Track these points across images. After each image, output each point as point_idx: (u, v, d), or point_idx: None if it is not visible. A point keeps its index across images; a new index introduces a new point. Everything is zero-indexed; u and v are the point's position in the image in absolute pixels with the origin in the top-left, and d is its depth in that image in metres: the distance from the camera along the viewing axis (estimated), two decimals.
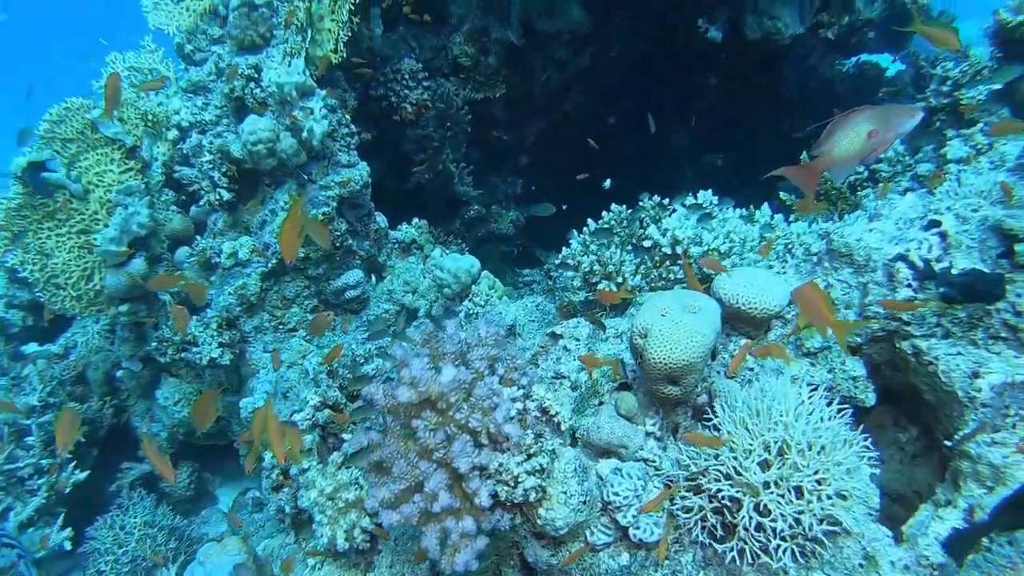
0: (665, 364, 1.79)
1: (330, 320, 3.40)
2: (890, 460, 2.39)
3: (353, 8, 3.33)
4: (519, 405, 1.82)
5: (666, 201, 3.17)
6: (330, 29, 3.38)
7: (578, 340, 2.30)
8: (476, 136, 5.43)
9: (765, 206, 2.99)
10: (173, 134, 3.53)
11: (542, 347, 2.41)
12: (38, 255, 3.32)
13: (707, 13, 4.03)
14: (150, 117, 3.49)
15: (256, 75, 3.37)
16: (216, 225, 3.52)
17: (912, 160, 3.57)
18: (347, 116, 3.51)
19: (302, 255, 3.47)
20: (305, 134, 3.27)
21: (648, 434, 1.93)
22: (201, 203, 3.51)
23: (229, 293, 3.39)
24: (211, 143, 3.43)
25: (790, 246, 2.69)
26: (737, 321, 2.16)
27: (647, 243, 2.65)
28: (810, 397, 1.77)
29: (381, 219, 3.77)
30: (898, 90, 4.70)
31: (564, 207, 6.05)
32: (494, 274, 5.77)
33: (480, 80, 5.03)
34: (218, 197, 3.43)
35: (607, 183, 4.22)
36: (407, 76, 4.16)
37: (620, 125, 5.98)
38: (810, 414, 1.74)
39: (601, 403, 2.06)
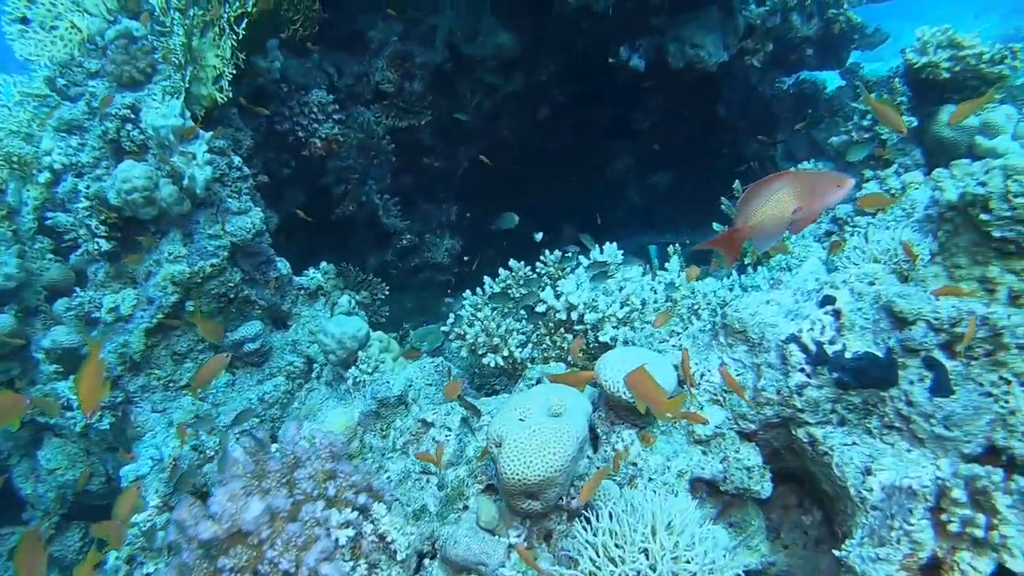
0: (519, 480, 1.59)
1: (218, 367, 3.13)
2: (794, 545, 2.22)
3: (236, 45, 3.08)
4: (349, 532, 1.60)
5: (572, 252, 2.99)
6: (214, 66, 3.13)
7: (449, 430, 2.09)
8: (405, 163, 5.21)
9: (675, 260, 2.81)
10: (45, 177, 3.25)
11: (413, 435, 2.19)
12: None
13: (630, 41, 3.85)
14: (15, 159, 3.21)
15: (133, 115, 3.12)
16: (97, 276, 3.26)
17: None
18: (239, 159, 3.27)
19: (191, 308, 3.23)
20: (186, 181, 3.02)
21: (512, 547, 1.72)
22: (79, 252, 3.24)
23: (109, 352, 3.12)
24: (87, 188, 3.16)
25: (696, 308, 2.51)
26: (620, 408, 1.96)
27: (541, 308, 2.45)
28: (682, 513, 1.58)
29: (283, 265, 3.53)
30: (809, 122, 4.59)
31: (505, 244, 5.88)
32: (425, 306, 5.58)
33: (404, 107, 4.80)
34: (96, 247, 3.16)
35: (538, 236, 4.07)
36: (316, 109, 3.92)
37: (559, 148, 5.81)
38: (680, 533, 1.54)
39: (466, 506, 1.85)
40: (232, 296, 3.31)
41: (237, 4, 3.08)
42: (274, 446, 1.76)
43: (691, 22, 3.71)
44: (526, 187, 5.96)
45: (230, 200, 3.21)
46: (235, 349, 3.41)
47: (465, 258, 5.74)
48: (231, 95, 3.15)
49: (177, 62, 2.98)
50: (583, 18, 3.91)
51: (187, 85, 3.04)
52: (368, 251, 5.35)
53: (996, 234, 1.70)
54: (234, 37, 3.06)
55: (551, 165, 5.89)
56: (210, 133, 3.12)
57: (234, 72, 3.12)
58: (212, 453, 2.74)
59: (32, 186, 3.26)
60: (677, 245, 3.98)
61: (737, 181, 4.19)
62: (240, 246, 3.23)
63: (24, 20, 3.41)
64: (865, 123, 3.41)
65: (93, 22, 3.34)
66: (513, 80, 5.06)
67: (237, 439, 2.22)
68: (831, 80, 6.79)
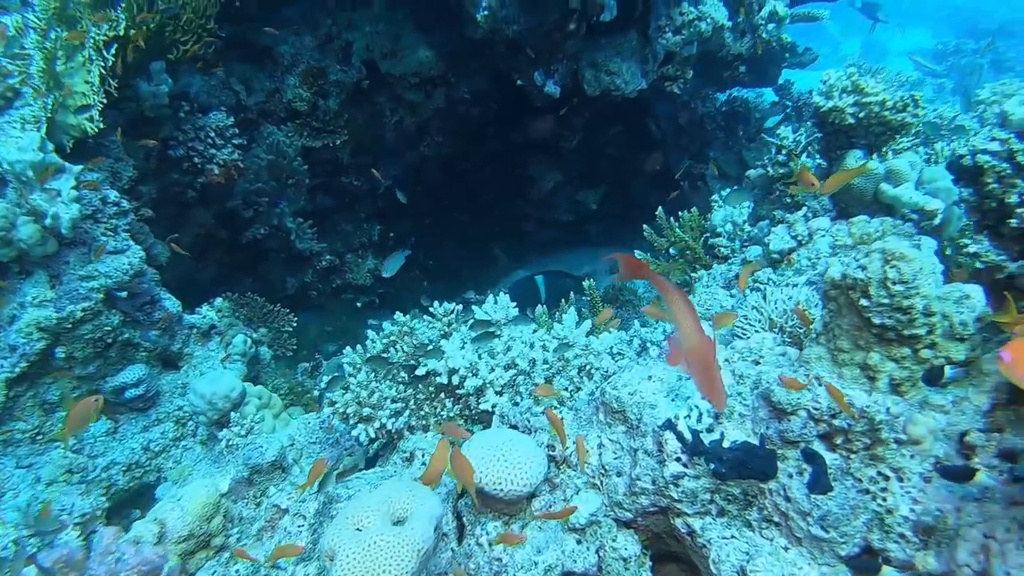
0: None
1: (87, 412, 2.87)
2: None
3: (107, 71, 2.84)
4: None
5: (474, 299, 2.82)
6: (83, 93, 2.88)
7: (304, 518, 1.92)
8: (323, 183, 4.99)
9: (571, 311, 2.67)
10: None
11: (268, 522, 2.01)
12: None
13: (544, 65, 3.70)
14: None
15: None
16: None
17: (747, 235, 3.33)
18: (115, 193, 3.02)
19: (63, 354, 2.98)
20: (49, 221, 2.77)
21: None
22: None
23: None
24: None
25: (588, 368, 2.37)
26: (487, 499, 1.81)
27: (422, 371, 2.29)
28: None
29: (171, 304, 3.30)
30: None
31: (431, 263, 5.71)
32: (347, 329, 5.36)
33: (318, 126, 4.58)
34: None
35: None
36: (213, 133, 3.68)
37: (485, 166, 5.64)
38: None
39: None
40: (111, 341, 3.07)
41: (107, 27, 2.84)
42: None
43: (608, 47, 3.57)
44: (452, 205, 5.80)
45: (104, 238, 2.96)
46: (116, 395, 3.18)
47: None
48: (102, 125, 2.90)
49: (36, 88, 2.73)
50: (496, 42, 3.75)
51: (50, 114, 2.79)
52: (287, 271, 5.12)
53: (876, 320, 1.59)
54: (102, 64, 2.81)
55: (477, 183, 5.73)
56: (79, 167, 2.88)
57: (104, 102, 2.87)
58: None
59: None
60: (588, 279, 3.87)
61: (660, 208, 4.08)
62: (116, 288, 2.99)
63: None
64: (781, 158, 3.32)
65: None
66: (435, 98, 4.88)
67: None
68: (769, 96, 6.78)
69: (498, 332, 2.35)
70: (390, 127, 4.93)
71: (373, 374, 2.36)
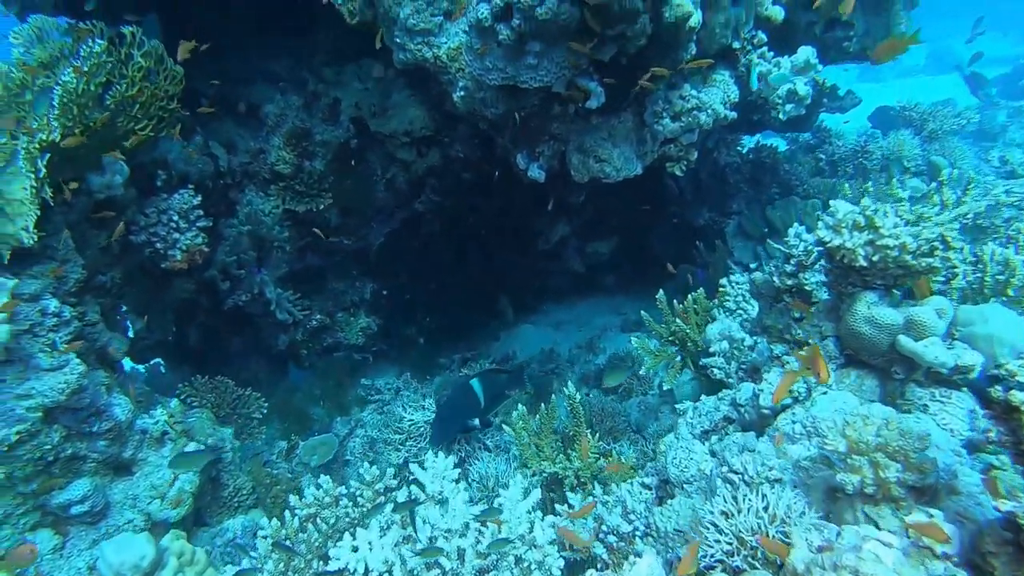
0: None
1: (29, 560, 2.71)
2: None
3: (37, 182, 2.61)
4: None
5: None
6: (21, 200, 2.66)
7: None
8: (311, 243, 4.75)
9: (514, 485, 2.37)
10: None
11: None
12: None
13: (528, 148, 3.39)
14: None
15: None
16: None
17: (746, 358, 3.00)
18: (55, 303, 2.81)
19: (1, 475, 2.79)
20: None
21: None
22: None
23: None
24: None
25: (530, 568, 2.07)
26: None
27: (334, 566, 2.02)
28: None
29: (120, 411, 3.09)
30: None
31: (428, 320, 5.47)
32: (337, 391, 5.12)
33: (301, 190, 4.33)
34: None
35: None
36: (177, 217, 3.45)
37: (488, 220, 5.35)
38: None
39: None
40: (52, 458, 2.87)
41: (41, 136, 2.61)
42: None
43: (599, 129, 3.25)
44: (453, 259, 5.53)
45: (40, 356, 2.75)
46: (62, 510, 2.98)
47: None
48: (36, 237, 2.67)
49: None
50: (479, 120, 3.45)
51: None
52: (276, 331, 4.91)
53: None
54: (33, 174, 2.58)
55: (479, 236, 5.44)
56: (13, 282, 2.67)
57: (39, 213, 2.64)
58: None
59: None
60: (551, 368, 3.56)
61: (660, 291, 3.77)
62: (53, 407, 2.79)
63: None
64: (789, 268, 2.98)
65: None
66: (428, 156, 4.60)
67: None
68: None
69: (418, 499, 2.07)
70: (381, 185, 4.67)
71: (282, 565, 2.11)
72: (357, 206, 4.64)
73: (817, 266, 2.94)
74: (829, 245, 2.36)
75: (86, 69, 2.69)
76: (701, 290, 3.89)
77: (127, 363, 4.75)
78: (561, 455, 3.43)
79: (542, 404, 3.37)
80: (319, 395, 4.98)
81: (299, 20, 4.16)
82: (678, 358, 3.76)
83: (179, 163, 3.93)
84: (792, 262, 2.97)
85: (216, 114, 4.25)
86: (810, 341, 2.67)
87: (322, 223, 4.58)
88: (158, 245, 3.43)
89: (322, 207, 4.37)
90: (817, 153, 5.50)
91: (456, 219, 5.19)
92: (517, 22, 2.73)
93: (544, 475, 3.42)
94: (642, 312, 3.82)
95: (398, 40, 3.25)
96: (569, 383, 3.46)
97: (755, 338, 3.12)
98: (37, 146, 2.61)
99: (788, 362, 2.60)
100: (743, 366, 3.07)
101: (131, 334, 4.52)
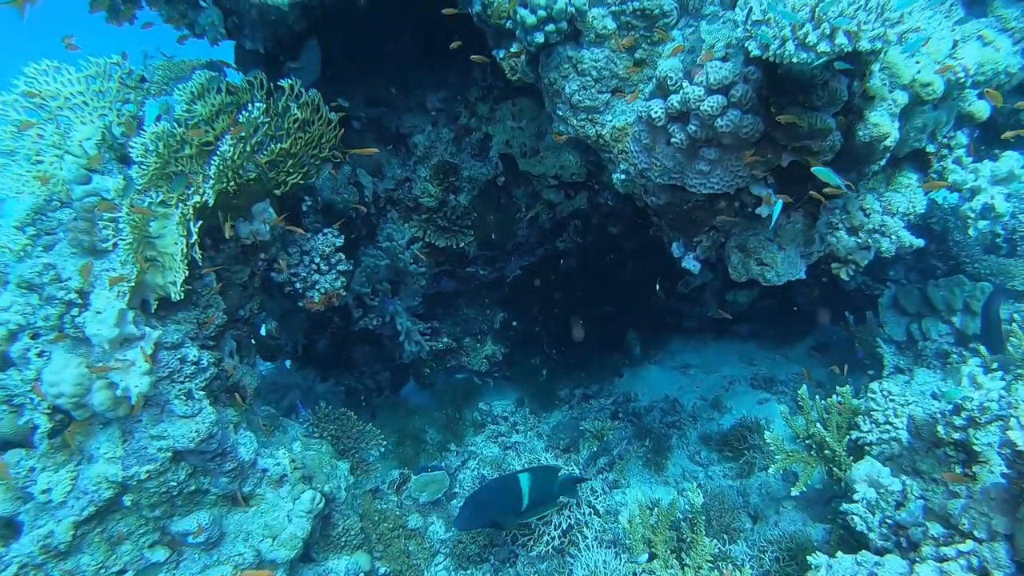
0: None
1: None
2: None
3: (187, 247, 2.66)
4: None
5: None
6: (173, 255, 2.74)
7: None
8: (448, 270, 4.72)
9: None
10: (3, 332, 3.03)
11: None
12: None
13: (685, 237, 3.12)
14: None
15: (81, 300, 2.81)
16: (40, 446, 3.03)
17: (894, 518, 2.64)
18: (195, 351, 2.90)
19: (129, 502, 2.96)
20: (120, 392, 2.69)
21: None
22: (25, 418, 3.02)
23: (31, 542, 2.91)
24: (37, 356, 2.92)
25: None
26: None
27: None
28: None
29: (244, 452, 3.19)
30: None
31: (554, 352, 5.34)
32: (454, 415, 5.11)
33: (443, 224, 4.28)
34: (36, 423, 2.93)
35: None
36: (319, 259, 3.47)
37: (627, 259, 5.10)
38: None
39: None
40: (176, 493, 3.01)
41: (195, 200, 2.65)
42: None
43: (765, 228, 2.93)
44: (586, 294, 5.33)
45: (176, 402, 2.85)
46: (182, 538, 3.14)
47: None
48: (182, 296, 2.75)
49: (127, 244, 2.60)
50: (637, 200, 3.21)
51: (134, 283, 2.67)
52: (402, 348, 4.95)
53: None
54: (186, 239, 2.64)
55: (617, 273, 5.20)
56: (158, 333, 2.77)
57: (187, 272, 2.71)
58: None
59: None
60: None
61: (804, 388, 3.45)
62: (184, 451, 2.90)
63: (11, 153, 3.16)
64: (959, 421, 2.60)
65: (69, 169, 3.04)
66: (576, 200, 4.40)
67: None
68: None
69: None
70: (524, 221, 4.53)
71: None
72: (498, 241, 4.53)
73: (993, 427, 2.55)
74: (1018, 448, 1.97)
75: (243, 135, 2.71)
76: (848, 387, 3.52)
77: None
78: (674, 559, 3.24)
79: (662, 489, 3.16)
80: (438, 417, 5.00)
81: (464, 52, 4.05)
82: (814, 468, 3.44)
83: (326, 191, 3.97)
84: (963, 415, 2.58)
85: (369, 136, 4.26)
86: (975, 533, 2.30)
87: (460, 253, 4.52)
88: (297, 285, 3.48)
89: (462, 244, 4.29)
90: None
91: (596, 257, 4.99)
92: (693, 128, 2.46)
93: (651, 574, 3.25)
94: (799, 393, 3.50)
95: (560, 113, 3.06)
96: (690, 493, 3.23)
97: (904, 481, 2.76)
98: (191, 210, 2.66)
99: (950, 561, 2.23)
100: (889, 520, 2.71)
101: (263, 332, 4.71)
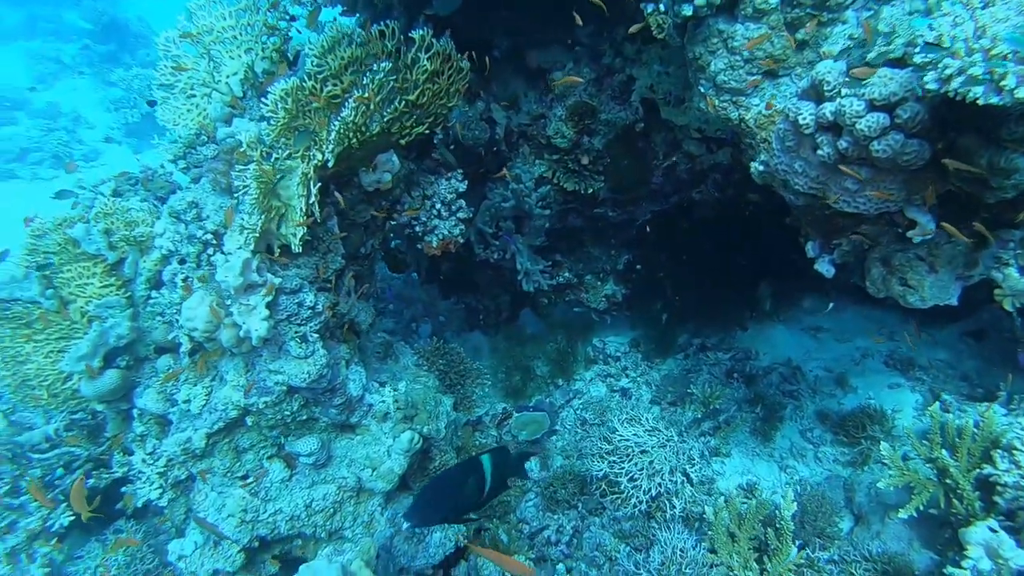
0: None
1: None
2: None
3: (307, 205, 2.71)
4: None
5: None
6: (296, 208, 2.82)
7: None
8: (575, 208, 4.59)
9: None
10: (156, 255, 3.31)
11: None
12: (12, 361, 3.41)
13: (822, 237, 2.82)
14: (134, 239, 3.27)
15: (216, 242, 2.98)
16: (182, 361, 3.36)
17: None
18: (312, 296, 3.03)
19: (251, 422, 3.26)
20: (242, 333, 2.89)
21: None
22: (173, 334, 3.35)
23: (175, 444, 3.29)
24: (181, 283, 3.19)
25: None
26: None
27: None
28: None
29: (354, 387, 3.37)
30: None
31: (677, 298, 5.15)
32: (566, 349, 5.13)
33: (574, 168, 4.12)
34: (179, 342, 3.25)
35: None
36: (440, 205, 3.46)
37: (769, 213, 4.73)
38: None
39: None
40: (290, 420, 3.27)
41: (316, 160, 2.67)
42: None
43: (917, 247, 2.59)
44: (719, 244, 5.04)
45: (292, 344, 3.03)
46: (295, 456, 3.44)
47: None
48: (300, 248, 2.85)
49: (253, 199, 2.71)
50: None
51: (258, 234, 2.79)
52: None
53: None
54: (306, 198, 2.69)
55: (755, 226, 4.85)
56: (278, 280, 2.90)
57: (307, 227, 2.79)
58: None
59: (146, 259, 3.33)
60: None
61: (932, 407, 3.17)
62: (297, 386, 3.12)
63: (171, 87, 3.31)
64: None
65: (215, 107, 3.14)
66: (718, 154, 4.08)
67: None
68: None
69: None
70: (660, 169, 4.27)
71: None
72: (629, 186, 4.32)
73: None
74: None
75: (367, 96, 2.66)
76: (995, 408, 3.19)
77: (382, 268, 5.16)
78: (754, 561, 3.19)
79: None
80: (548, 351, 5.05)
81: None
82: (930, 492, 3.20)
83: (457, 127, 3.90)
84: None
85: (506, 69, 4.09)
86: None
87: (591, 197, 4.36)
88: (417, 228, 3.51)
89: (591, 190, 4.13)
90: None
91: (733, 209, 4.66)
92: (844, 145, 2.16)
93: (729, 571, 3.23)
94: (930, 411, 3.25)
95: (702, 89, 2.77)
96: (783, 501, 3.10)
97: None
98: (312, 170, 2.69)
99: None
100: None
101: (392, 245, 4.86)
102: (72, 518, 3.77)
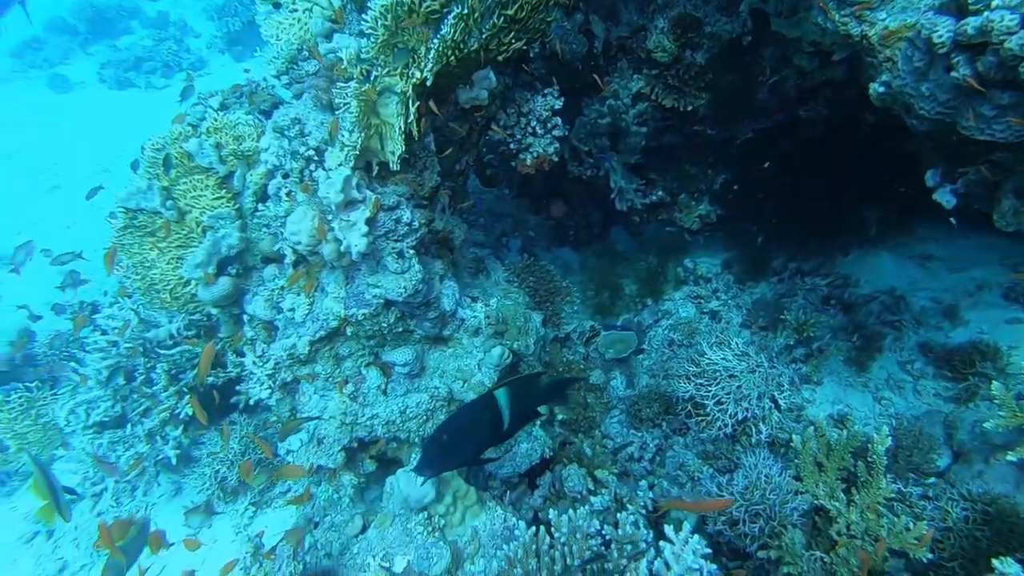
0: None
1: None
2: None
3: (405, 123, 2.74)
4: None
5: None
6: (394, 126, 2.86)
7: None
8: (672, 125, 4.45)
9: None
10: (262, 169, 3.45)
11: None
12: (140, 266, 3.67)
13: (947, 164, 2.64)
14: (241, 153, 3.41)
15: (318, 158, 3.07)
16: (286, 270, 3.54)
17: None
18: (408, 213, 3.10)
19: (351, 332, 3.43)
20: (343, 247, 3.01)
21: None
22: (278, 245, 3.52)
23: (281, 349, 3.52)
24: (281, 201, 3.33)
25: None
26: None
27: None
28: None
29: (447, 302, 3.48)
30: None
31: (774, 220, 4.98)
32: (660, 258, 5.08)
33: (674, 83, 3.97)
34: (284, 253, 3.42)
35: None
36: (535, 122, 3.42)
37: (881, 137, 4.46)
38: None
39: None
40: (387, 331, 3.42)
41: (415, 79, 2.68)
42: None
43: None
44: (825, 167, 4.79)
45: (389, 259, 3.14)
46: (389, 367, 3.62)
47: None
48: (399, 166, 2.90)
49: (354, 116, 2.77)
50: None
51: (358, 151, 2.86)
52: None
53: None
54: (404, 117, 2.72)
55: (866, 148, 4.58)
56: (373, 196, 2.98)
57: (405, 145, 2.83)
58: None
59: (253, 173, 3.48)
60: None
61: None
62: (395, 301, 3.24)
63: (276, 5, 3.35)
64: None
65: (316, 22, 3.17)
66: (831, 69, 3.83)
67: None
68: None
69: None
70: (766, 86, 4.06)
71: None
72: (732, 103, 4.13)
73: None
74: None
75: (465, 12, 2.62)
76: None
77: (474, 182, 5.18)
78: (841, 492, 3.17)
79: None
80: (638, 269, 5.03)
81: None
82: None
83: (555, 40, 3.80)
84: None
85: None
86: None
87: (691, 113, 4.21)
88: (511, 145, 3.49)
89: (691, 107, 3.98)
90: None
91: (842, 129, 4.40)
92: (987, 65, 1.99)
93: (814, 499, 3.24)
94: None
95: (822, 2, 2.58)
96: (876, 435, 3.04)
97: None
98: (411, 88, 2.70)
99: None
100: None
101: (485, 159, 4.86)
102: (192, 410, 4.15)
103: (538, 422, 3.76)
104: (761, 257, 5.13)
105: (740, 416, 3.72)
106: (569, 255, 5.33)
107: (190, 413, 4.12)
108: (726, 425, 3.72)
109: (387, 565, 2.69)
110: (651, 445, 3.96)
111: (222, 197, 3.53)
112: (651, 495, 3.47)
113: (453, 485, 2.96)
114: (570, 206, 5.27)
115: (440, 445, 2.36)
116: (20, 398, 4.53)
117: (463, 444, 2.38)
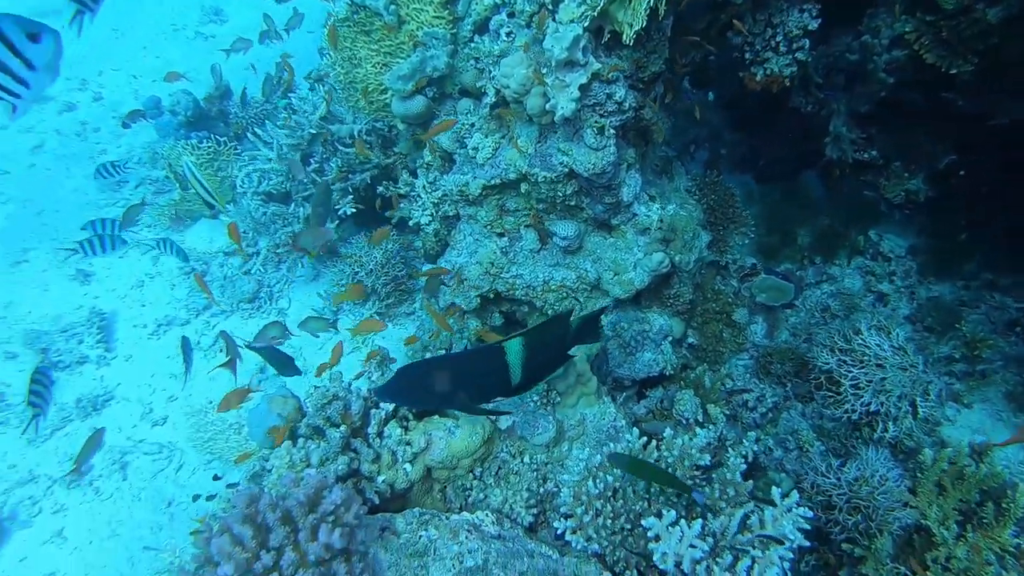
0: None
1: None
2: None
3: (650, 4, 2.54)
4: None
5: None
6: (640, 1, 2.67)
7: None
8: (925, 83, 3.98)
9: None
10: (490, 1, 3.37)
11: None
12: (347, 61, 3.73)
13: None
14: None
15: (552, 7, 2.94)
16: (482, 110, 3.52)
17: None
18: (623, 91, 2.96)
19: (524, 189, 3.42)
20: (548, 106, 2.93)
21: None
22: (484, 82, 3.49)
23: (453, 183, 3.57)
24: (507, 34, 3.26)
25: None
26: None
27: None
28: None
29: (627, 192, 3.36)
30: None
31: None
32: (846, 219, 4.72)
33: (947, 37, 3.49)
34: (486, 93, 3.40)
35: None
36: (781, 36, 3.11)
37: None
38: None
39: None
40: (560, 201, 3.39)
41: None
42: None
43: None
44: None
45: (588, 132, 3.04)
46: (551, 236, 3.61)
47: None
48: (633, 41, 2.73)
49: None
50: None
51: (596, 13, 2.72)
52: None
53: None
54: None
55: None
56: (597, 67, 2.85)
57: (646, 23, 2.65)
58: None
59: (480, 3, 3.40)
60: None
61: None
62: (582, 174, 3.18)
63: None
64: None
65: None
66: None
67: None
68: None
69: None
70: None
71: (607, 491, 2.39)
72: (1006, 80, 3.62)
73: None
74: None
75: None
76: None
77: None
78: (955, 523, 2.99)
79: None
80: (818, 224, 4.70)
81: None
82: None
83: None
84: None
85: None
86: None
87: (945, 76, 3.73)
88: (747, 55, 3.23)
89: (954, 70, 3.52)
90: None
91: None
92: None
93: (922, 519, 3.09)
94: None
95: None
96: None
97: None
98: None
99: None
100: None
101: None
102: (353, 210, 4.35)
103: (668, 338, 3.71)
104: (955, 255, 4.66)
105: (873, 408, 3.53)
106: (752, 184, 5.04)
107: (349, 212, 4.31)
108: (854, 411, 3.55)
109: (493, 418, 2.79)
110: (768, 400, 3.86)
111: (443, 17, 3.49)
112: (756, 448, 3.40)
113: (579, 368, 2.98)
114: (773, 135, 4.92)
115: (408, 379, 2.34)
116: (209, 147, 4.87)
117: (440, 387, 2.29)
